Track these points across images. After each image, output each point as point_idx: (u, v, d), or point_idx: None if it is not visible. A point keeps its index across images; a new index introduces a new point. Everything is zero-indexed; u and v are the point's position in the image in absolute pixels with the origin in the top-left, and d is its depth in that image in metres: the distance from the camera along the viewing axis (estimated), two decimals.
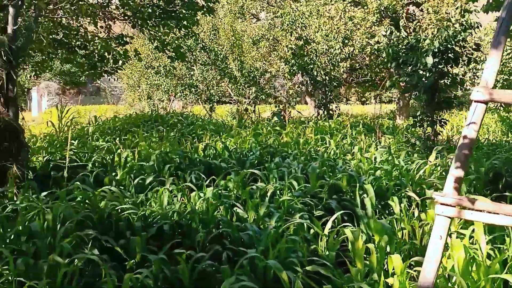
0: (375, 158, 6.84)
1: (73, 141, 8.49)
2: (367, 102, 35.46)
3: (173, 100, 20.38)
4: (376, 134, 9.38)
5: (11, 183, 4.91)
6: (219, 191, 5.01)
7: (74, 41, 9.36)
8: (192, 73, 18.41)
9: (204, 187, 5.17)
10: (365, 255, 3.68)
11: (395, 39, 8.87)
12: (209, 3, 8.77)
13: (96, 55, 9.56)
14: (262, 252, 3.57)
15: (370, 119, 15.42)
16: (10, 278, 3.31)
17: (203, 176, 5.86)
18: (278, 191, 5.29)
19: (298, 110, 15.65)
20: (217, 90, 18.91)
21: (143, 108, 20.57)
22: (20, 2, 5.77)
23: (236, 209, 4.68)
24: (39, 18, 6.42)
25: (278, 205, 4.73)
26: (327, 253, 3.84)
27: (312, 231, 4.20)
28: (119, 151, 7.15)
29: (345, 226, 4.17)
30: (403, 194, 5.13)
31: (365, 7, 13.71)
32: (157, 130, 10.34)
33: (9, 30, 5.70)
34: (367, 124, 11.66)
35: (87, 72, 10.50)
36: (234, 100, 18.02)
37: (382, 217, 4.76)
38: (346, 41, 13.21)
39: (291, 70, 14.03)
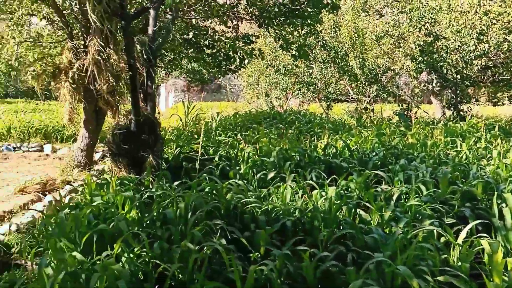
0: None
1: (196, 135, 9.02)
2: (499, 103, 32.48)
3: (290, 98, 20.60)
4: None
5: (148, 172, 5.32)
6: (341, 191, 4.93)
7: (203, 40, 9.90)
8: (310, 71, 18.43)
9: (326, 186, 5.12)
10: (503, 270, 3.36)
11: None
12: (334, 0, 8.67)
13: (222, 54, 10.01)
14: (389, 257, 3.43)
15: (505, 121, 14.08)
16: (147, 259, 3.58)
17: (324, 174, 5.81)
18: (403, 195, 5.06)
19: (423, 110, 14.82)
20: (335, 88, 18.72)
21: (260, 105, 21.09)
22: (160, 3, 6.22)
23: (359, 211, 4.57)
24: (175, 20, 6.87)
25: (404, 209, 4.52)
26: (460, 264, 3.57)
27: (442, 239, 3.94)
28: (241, 146, 7.40)
29: (480, 237, 3.85)
30: None
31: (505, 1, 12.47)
32: (276, 127, 10.51)
33: (150, 31, 6.17)
34: (502, 127, 10.65)
35: (212, 70, 11.04)
36: (351, 98, 17.67)
37: None
38: (481, 37, 12.16)
39: (418, 68, 13.32)
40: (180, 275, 3.53)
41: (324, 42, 16.56)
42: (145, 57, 6.03)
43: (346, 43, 16.04)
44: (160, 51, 6.86)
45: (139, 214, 4.40)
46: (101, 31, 5.69)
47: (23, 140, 13.91)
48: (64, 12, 8.58)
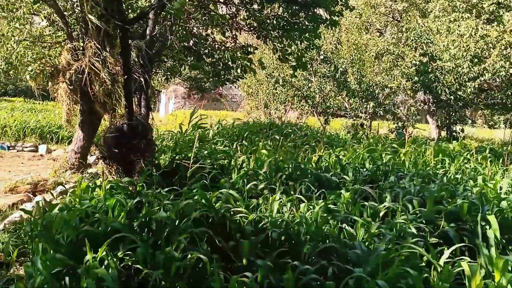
0: (501, 187, 6.25)
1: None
2: (495, 126, 32.62)
3: (289, 110, 20.68)
4: (504, 162, 8.58)
5: (143, 177, 5.31)
6: (329, 205, 4.96)
7: (202, 49, 9.98)
8: (310, 84, 18.55)
9: (314, 199, 5.16)
10: None
11: None
12: (332, 17, 8.76)
13: (221, 63, 10.10)
14: (370, 273, 3.46)
15: (498, 145, 14.19)
16: (129, 263, 3.60)
17: (313, 188, 5.84)
18: (390, 213, 5.10)
19: (418, 128, 14.92)
20: (334, 103, 18.83)
21: (259, 116, 21.16)
22: (159, 10, 6.27)
23: (345, 226, 4.60)
24: (174, 27, 6.94)
25: (389, 227, 4.55)
26: (440, 283, 3.60)
27: (425, 258, 3.97)
28: (236, 155, 7.43)
29: (462, 259, 3.88)
30: None
31: (502, 26, 12.55)
32: (272, 139, 10.55)
33: (147, 36, 6.22)
34: (494, 150, 10.72)
35: (211, 79, 11.12)
36: (349, 114, 17.78)
37: (506, 252, 4.34)
38: (476, 60, 12.26)
39: (414, 87, 13.44)
40: (163, 282, 3.55)
41: (325, 56, 16.70)
42: (141, 62, 6.07)
43: (347, 59, 16.17)
44: (158, 57, 6.91)
45: (127, 219, 4.41)
46: (98, 33, 5.74)
47: (18, 139, 13.93)
48: (65, 13, 8.65)
